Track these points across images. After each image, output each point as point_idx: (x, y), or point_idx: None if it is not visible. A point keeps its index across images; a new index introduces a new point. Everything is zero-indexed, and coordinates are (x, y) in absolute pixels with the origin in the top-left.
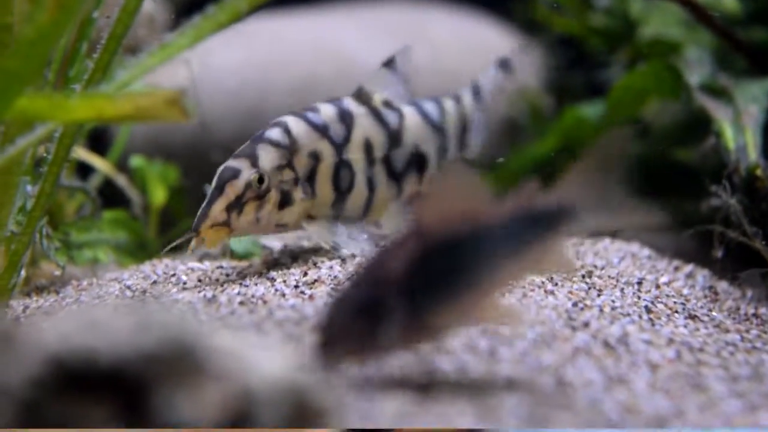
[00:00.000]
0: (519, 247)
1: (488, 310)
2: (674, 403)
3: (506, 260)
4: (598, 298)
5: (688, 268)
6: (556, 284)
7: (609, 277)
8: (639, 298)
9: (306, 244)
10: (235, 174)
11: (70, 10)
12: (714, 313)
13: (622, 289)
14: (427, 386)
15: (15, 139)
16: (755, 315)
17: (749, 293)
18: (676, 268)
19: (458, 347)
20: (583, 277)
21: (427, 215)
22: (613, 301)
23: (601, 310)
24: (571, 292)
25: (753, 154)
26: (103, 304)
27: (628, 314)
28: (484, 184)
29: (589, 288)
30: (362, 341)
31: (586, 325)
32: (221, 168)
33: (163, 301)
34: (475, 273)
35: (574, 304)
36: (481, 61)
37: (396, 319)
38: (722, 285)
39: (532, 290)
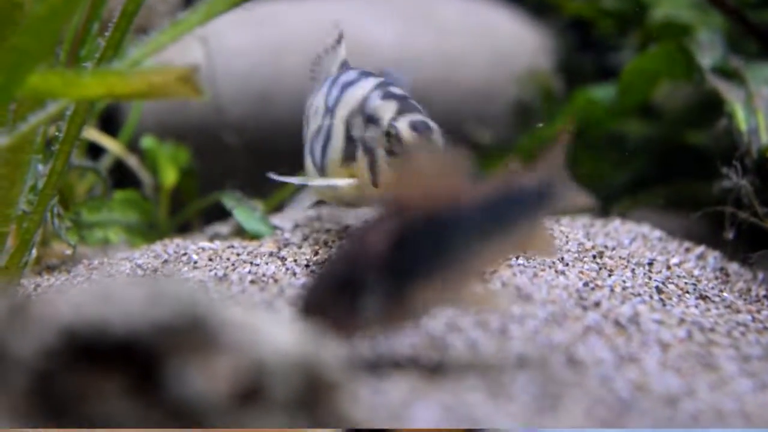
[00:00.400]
0: (501, 227)
1: (469, 293)
2: (685, 382)
3: (487, 240)
4: (609, 278)
5: (699, 249)
6: (567, 264)
7: (620, 257)
8: (650, 278)
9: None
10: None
11: None
12: (725, 294)
13: (633, 270)
14: (439, 364)
15: (26, 116)
16: (766, 296)
17: (760, 275)
18: (687, 250)
19: (468, 324)
20: (594, 257)
21: (405, 194)
22: (624, 281)
23: (612, 290)
24: (582, 272)
25: (765, 136)
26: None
27: (639, 294)
28: (463, 162)
29: (600, 268)
30: (342, 316)
31: (597, 304)
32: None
33: (174, 278)
34: (453, 253)
35: (585, 284)
36: (488, 44)
37: (375, 296)
38: (733, 266)
39: (543, 270)
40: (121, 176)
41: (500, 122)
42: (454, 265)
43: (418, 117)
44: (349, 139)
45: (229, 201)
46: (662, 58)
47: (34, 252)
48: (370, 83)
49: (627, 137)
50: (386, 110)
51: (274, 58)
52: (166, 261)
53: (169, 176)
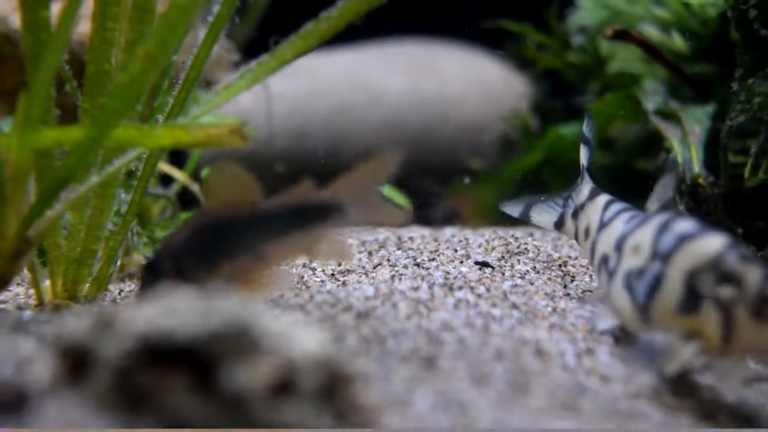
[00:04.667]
0: (284, 231)
1: (255, 277)
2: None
3: (272, 240)
4: (571, 283)
5: None
6: (538, 272)
7: (580, 266)
8: None
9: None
10: None
11: (156, 60)
12: None
13: (591, 276)
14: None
15: (112, 160)
16: None
17: None
18: None
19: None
20: (560, 266)
21: (210, 202)
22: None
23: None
24: (549, 279)
25: (696, 166)
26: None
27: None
28: (254, 183)
29: (564, 275)
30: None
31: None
32: None
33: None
34: (239, 245)
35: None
36: (481, 90)
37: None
38: None
39: (521, 277)
40: (187, 200)
41: (490, 152)
42: (240, 254)
43: None
44: (691, 293)
45: None
46: (616, 103)
47: (118, 263)
48: (718, 242)
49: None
50: (751, 274)
51: (307, 101)
52: None
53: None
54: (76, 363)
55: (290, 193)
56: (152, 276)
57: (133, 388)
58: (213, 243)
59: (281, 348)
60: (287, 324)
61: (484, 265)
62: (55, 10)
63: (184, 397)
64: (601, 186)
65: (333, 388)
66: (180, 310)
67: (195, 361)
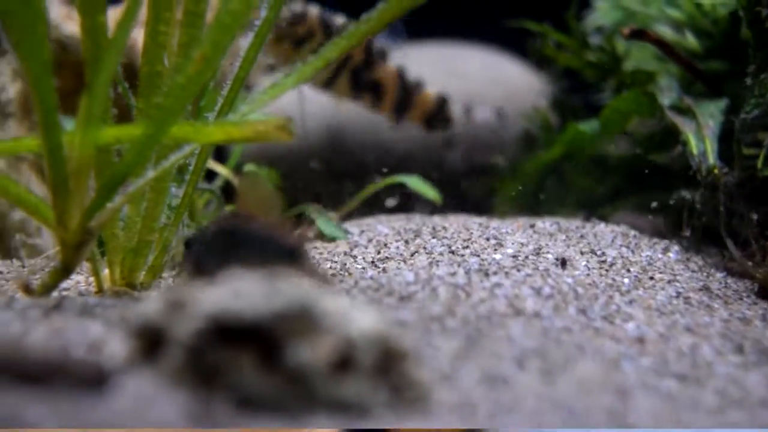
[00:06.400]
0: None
1: None
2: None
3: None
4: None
5: (664, 243)
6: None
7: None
8: (630, 268)
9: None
10: None
11: (210, 62)
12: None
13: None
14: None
15: (165, 155)
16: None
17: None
18: (655, 243)
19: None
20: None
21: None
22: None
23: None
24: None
25: (711, 158)
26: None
27: (618, 273)
28: (276, 198)
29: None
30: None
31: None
32: None
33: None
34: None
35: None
36: (502, 87)
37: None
38: (690, 255)
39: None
40: (229, 193)
41: (511, 149)
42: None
43: None
44: None
45: (312, 212)
46: (632, 100)
47: (172, 252)
48: None
49: (607, 158)
50: None
51: (337, 103)
52: None
53: (271, 209)
54: (150, 342)
55: (269, 226)
56: (188, 250)
57: (204, 365)
58: (223, 247)
59: (340, 327)
60: (345, 304)
61: (562, 262)
62: (111, 15)
63: (251, 373)
64: (618, 178)
65: (388, 364)
66: (246, 292)
67: (261, 340)
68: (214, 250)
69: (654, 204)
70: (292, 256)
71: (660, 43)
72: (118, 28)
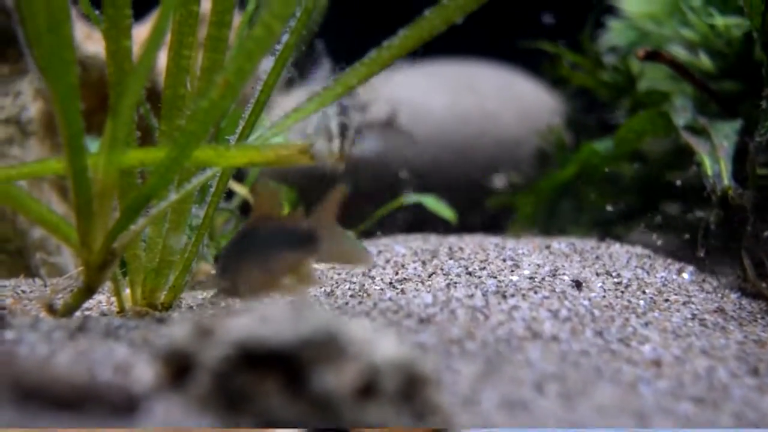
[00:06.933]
0: (280, 250)
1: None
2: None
3: (273, 255)
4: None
5: (679, 264)
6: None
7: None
8: (645, 288)
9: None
10: None
11: (234, 87)
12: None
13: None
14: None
15: (186, 177)
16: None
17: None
18: (669, 264)
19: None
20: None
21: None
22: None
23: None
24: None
25: (726, 179)
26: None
27: (634, 295)
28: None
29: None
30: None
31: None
32: None
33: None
34: (253, 256)
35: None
36: (517, 106)
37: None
38: (704, 276)
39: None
40: (247, 212)
41: (527, 166)
42: (252, 264)
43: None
44: None
45: None
46: (647, 120)
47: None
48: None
49: (621, 177)
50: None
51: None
52: None
53: (283, 211)
54: (178, 368)
55: (286, 218)
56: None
57: (231, 391)
58: (240, 251)
59: (365, 353)
60: (370, 331)
61: (578, 284)
62: (135, 33)
63: (277, 398)
64: (632, 197)
65: (411, 390)
66: (273, 319)
67: (287, 366)
68: (238, 251)
69: (668, 223)
70: (307, 241)
71: (674, 65)
72: (144, 53)
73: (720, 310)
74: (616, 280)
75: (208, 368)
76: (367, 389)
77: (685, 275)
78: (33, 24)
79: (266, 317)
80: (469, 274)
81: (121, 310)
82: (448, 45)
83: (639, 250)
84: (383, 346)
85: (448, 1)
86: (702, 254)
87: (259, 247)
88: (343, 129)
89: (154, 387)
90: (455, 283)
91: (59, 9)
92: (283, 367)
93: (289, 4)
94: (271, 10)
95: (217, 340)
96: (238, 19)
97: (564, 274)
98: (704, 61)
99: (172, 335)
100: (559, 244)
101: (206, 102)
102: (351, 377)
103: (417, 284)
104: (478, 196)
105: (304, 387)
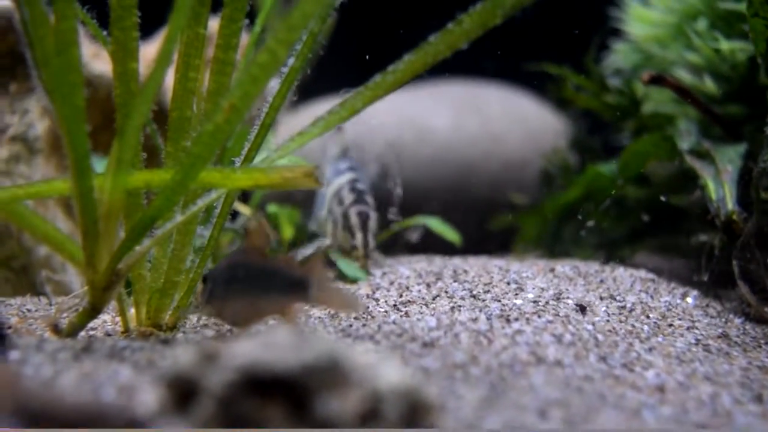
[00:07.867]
0: (269, 289)
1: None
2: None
3: (263, 292)
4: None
5: (683, 289)
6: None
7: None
8: (649, 313)
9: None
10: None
11: (239, 111)
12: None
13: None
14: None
15: (191, 198)
16: (722, 311)
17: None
18: (673, 288)
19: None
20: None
21: (249, 246)
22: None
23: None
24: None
25: (730, 203)
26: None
27: (638, 320)
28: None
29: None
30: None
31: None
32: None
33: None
34: (252, 291)
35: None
36: (522, 127)
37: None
38: (708, 300)
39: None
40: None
41: (532, 187)
42: (240, 296)
43: (363, 207)
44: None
45: (332, 253)
46: (652, 143)
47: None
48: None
49: (626, 200)
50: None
51: (363, 137)
52: None
53: (287, 231)
54: (182, 393)
55: (277, 260)
56: (205, 285)
57: (235, 416)
58: (230, 279)
59: (368, 379)
60: (373, 357)
61: (581, 309)
62: (142, 52)
63: (281, 423)
64: (636, 219)
65: (415, 416)
66: (276, 345)
67: (291, 391)
68: (229, 279)
69: (672, 247)
70: (298, 287)
71: (678, 89)
72: (150, 76)
73: (724, 336)
74: (620, 304)
75: (213, 393)
76: (371, 415)
77: (689, 300)
78: (41, 47)
79: (270, 343)
80: (474, 297)
81: (126, 330)
82: (453, 65)
83: (643, 273)
84: (387, 372)
85: (452, 26)
86: (705, 278)
87: (251, 282)
88: (364, 218)
89: (158, 411)
90: (459, 306)
91: (67, 32)
92: (287, 393)
93: (293, 30)
94: (277, 36)
95: (221, 365)
96: (245, 37)
97: (568, 297)
98: (709, 84)
99: (176, 359)
100: (564, 267)
101: (212, 125)
102: (354, 404)
103: (421, 307)
104: (483, 216)
105: (308, 413)
